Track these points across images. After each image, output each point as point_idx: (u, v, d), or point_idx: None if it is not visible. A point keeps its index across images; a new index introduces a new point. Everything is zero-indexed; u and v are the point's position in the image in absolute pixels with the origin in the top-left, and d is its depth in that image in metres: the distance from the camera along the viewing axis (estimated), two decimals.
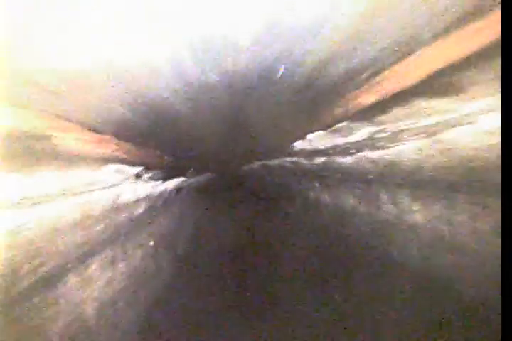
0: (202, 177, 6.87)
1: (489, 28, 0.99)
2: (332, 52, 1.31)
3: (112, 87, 1.31)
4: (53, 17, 0.83)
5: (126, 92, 1.41)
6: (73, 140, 1.50)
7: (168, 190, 4.62)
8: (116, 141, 1.93)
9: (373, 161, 3.02)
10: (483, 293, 2.16)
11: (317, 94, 1.81)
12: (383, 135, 2.21)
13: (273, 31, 1.13)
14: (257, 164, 6.66)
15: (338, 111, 2.03)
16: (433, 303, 2.54)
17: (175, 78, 1.41)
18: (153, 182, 3.85)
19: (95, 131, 1.66)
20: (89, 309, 2.29)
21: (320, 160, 3.68)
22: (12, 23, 0.80)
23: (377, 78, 1.50)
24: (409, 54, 1.27)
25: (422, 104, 1.56)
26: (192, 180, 6.18)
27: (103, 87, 1.30)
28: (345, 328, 2.79)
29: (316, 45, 1.23)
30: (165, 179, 4.00)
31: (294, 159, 4.52)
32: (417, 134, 2.08)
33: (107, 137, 1.81)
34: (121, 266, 3.07)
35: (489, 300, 2.08)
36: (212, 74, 1.43)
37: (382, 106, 1.71)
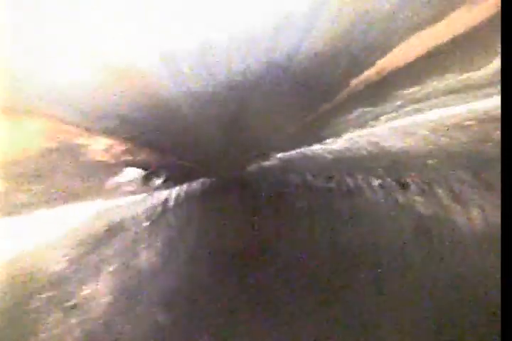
0: (197, 184, 5.67)
1: None
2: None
3: (112, 86, 1.28)
4: (53, 17, 0.83)
5: (126, 91, 1.39)
6: None
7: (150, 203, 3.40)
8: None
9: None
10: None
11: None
12: None
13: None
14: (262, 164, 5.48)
15: None
16: (434, 303, 2.36)
17: (173, 77, 1.40)
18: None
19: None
20: None
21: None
22: (12, 23, 0.79)
23: None
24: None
25: None
26: (185, 187, 4.98)
27: (103, 86, 1.26)
28: (346, 328, 2.76)
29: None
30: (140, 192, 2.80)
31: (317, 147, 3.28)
32: None
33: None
34: None
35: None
36: (212, 73, 1.43)
37: None
